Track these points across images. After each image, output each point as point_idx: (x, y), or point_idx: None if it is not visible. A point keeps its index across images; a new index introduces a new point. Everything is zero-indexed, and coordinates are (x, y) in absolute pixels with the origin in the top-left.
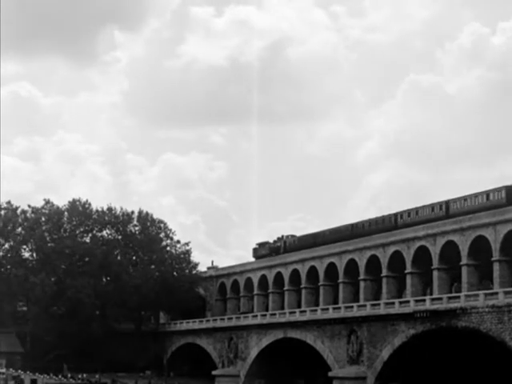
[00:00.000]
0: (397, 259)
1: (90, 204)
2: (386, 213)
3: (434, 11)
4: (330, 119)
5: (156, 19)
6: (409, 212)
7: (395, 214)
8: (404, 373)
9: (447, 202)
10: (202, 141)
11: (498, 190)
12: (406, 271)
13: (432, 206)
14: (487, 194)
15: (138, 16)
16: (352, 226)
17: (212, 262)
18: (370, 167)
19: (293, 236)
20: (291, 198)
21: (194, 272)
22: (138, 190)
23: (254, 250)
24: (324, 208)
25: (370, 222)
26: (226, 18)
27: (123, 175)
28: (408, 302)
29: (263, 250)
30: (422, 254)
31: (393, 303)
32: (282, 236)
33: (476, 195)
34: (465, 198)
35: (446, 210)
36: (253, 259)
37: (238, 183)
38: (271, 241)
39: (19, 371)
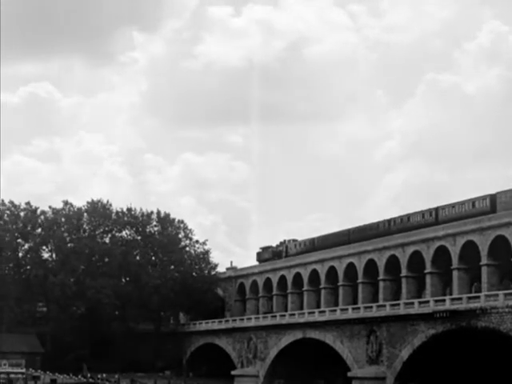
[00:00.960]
0: (416, 259)
1: (110, 205)
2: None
3: (453, 10)
4: (349, 119)
5: (174, 19)
6: (401, 218)
7: (388, 220)
8: (423, 373)
9: (436, 209)
10: (220, 141)
11: (483, 198)
12: (426, 271)
13: (423, 213)
14: (473, 201)
15: (156, 16)
16: (348, 231)
17: (231, 263)
18: (389, 167)
19: (294, 240)
20: (310, 198)
21: (213, 273)
22: (157, 190)
23: (258, 254)
24: (343, 208)
25: (366, 227)
26: (244, 17)
27: (142, 175)
28: (428, 302)
29: (266, 254)
30: (442, 254)
31: (412, 303)
32: (284, 240)
33: (463, 203)
34: (453, 206)
35: (435, 217)
36: (256, 263)
37: (258, 183)
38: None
39: (39, 371)
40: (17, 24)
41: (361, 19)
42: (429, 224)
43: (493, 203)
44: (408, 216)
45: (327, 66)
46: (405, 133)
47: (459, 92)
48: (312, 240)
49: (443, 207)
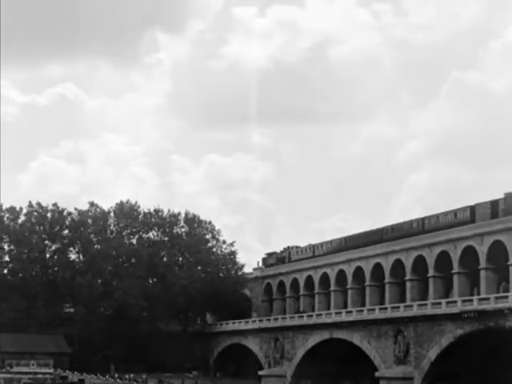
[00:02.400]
0: (444, 259)
1: (138, 206)
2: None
3: (478, 10)
4: (373, 119)
5: (199, 20)
6: (392, 227)
7: (381, 230)
8: (451, 373)
9: (423, 219)
10: (245, 141)
11: (464, 209)
12: (453, 271)
13: (411, 222)
14: (455, 212)
15: (180, 18)
16: (345, 239)
17: (258, 263)
18: (413, 167)
19: (297, 247)
20: (334, 199)
21: (239, 273)
22: (183, 191)
23: (264, 259)
24: (367, 208)
25: (360, 235)
26: (269, 18)
27: (168, 176)
28: (455, 302)
29: (271, 260)
30: (470, 254)
31: (440, 303)
32: (288, 247)
33: (446, 214)
34: (437, 216)
35: (422, 226)
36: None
37: (282, 184)
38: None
39: (67, 371)
40: (43, 26)
41: (385, 19)
42: (416, 233)
43: (472, 214)
44: (398, 225)
45: (351, 66)
46: (429, 132)
47: (484, 91)
48: (312, 246)
49: (429, 217)
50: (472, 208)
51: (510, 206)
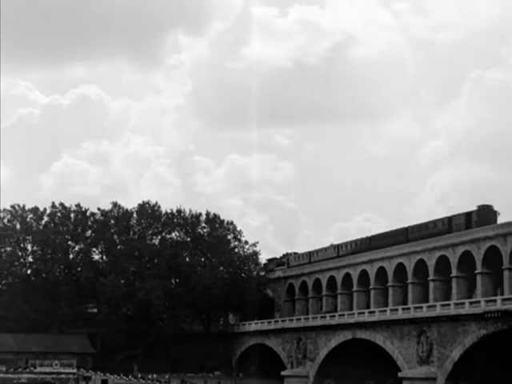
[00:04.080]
0: (467, 259)
1: (159, 206)
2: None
3: (500, 8)
4: (395, 118)
5: (220, 21)
6: (379, 236)
7: (369, 238)
8: (475, 373)
9: (407, 229)
10: (266, 142)
11: (442, 220)
12: (477, 271)
13: (396, 232)
14: (434, 222)
15: (201, 19)
16: (338, 246)
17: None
18: (436, 166)
19: (295, 253)
20: (357, 198)
21: (262, 273)
22: (205, 191)
23: (265, 264)
24: (390, 208)
25: (351, 243)
26: (290, 18)
27: (189, 177)
28: (478, 302)
29: (271, 265)
30: (493, 254)
31: (463, 303)
32: (287, 253)
33: (427, 224)
34: (420, 226)
35: (406, 236)
36: None
37: (305, 184)
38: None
39: (90, 371)
40: (66, 28)
41: (406, 18)
42: (400, 242)
43: (449, 224)
44: (384, 234)
45: (373, 66)
46: (451, 132)
47: (506, 89)
48: (308, 253)
49: (412, 228)
50: (449, 219)
51: (481, 217)
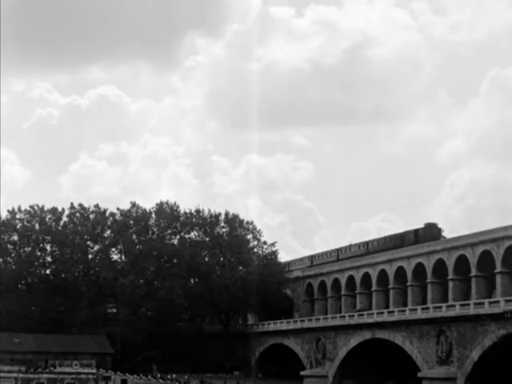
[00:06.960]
0: (486, 259)
1: (178, 206)
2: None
3: None
4: (414, 119)
5: (237, 22)
6: (345, 248)
7: (338, 249)
8: (495, 373)
9: (367, 243)
10: (285, 142)
11: (410, 232)
12: (496, 271)
13: (358, 245)
14: (402, 235)
15: (219, 20)
16: (312, 256)
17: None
18: (454, 166)
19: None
20: (375, 198)
21: (281, 273)
22: (223, 191)
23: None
24: (408, 208)
25: (324, 253)
26: (307, 19)
27: (208, 177)
28: (498, 301)
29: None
30: None
31: (482, 303)
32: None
33: (391, 238)
34: (390, 238)
35: (366, 248)
36: None
37: (323, 184)
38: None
39: (109, 372)
40: (85, 30)
41: (423, 18)
42: (361, 255)
43: (416, 236)
44: (350, 246)
45: (391, 66)
46: (469, 131)
47: None
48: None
49: (372, 241)
50: (416, 231)
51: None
